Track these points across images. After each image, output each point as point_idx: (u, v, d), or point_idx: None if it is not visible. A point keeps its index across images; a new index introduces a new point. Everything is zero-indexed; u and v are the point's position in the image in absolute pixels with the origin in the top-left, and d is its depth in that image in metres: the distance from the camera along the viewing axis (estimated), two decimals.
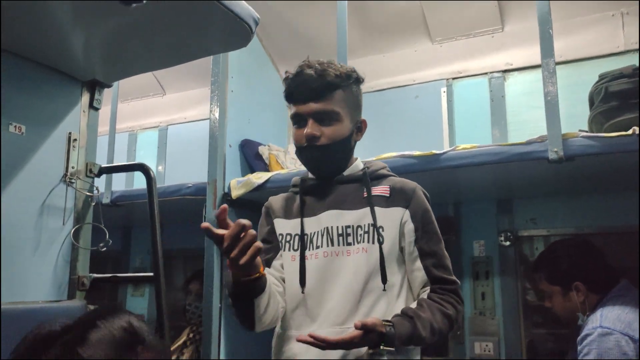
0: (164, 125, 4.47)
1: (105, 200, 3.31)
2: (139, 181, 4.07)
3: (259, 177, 2.72)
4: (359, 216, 1.47)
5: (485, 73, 3.34)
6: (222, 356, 2.66)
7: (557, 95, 2.22)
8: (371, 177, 1.54)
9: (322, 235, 1.47)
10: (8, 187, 1.75)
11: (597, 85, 2.35)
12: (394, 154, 2.47)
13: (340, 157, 1.52)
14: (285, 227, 1.56)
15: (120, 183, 4.06)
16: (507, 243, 2.99)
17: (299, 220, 1.52)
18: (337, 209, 1.50)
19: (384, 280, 1.41)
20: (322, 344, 1.28)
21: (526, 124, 3.10)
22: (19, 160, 1.80)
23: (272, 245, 1.58)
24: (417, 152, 2.39)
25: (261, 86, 3.46)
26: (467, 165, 2.27)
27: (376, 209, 1.46)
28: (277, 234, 1.58)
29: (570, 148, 2.09)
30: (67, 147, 1.98)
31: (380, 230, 1.44)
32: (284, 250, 1.53)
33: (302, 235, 1.49)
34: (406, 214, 1.47)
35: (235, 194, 2.75)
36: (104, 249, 1.98)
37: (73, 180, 1.97)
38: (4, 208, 1.71)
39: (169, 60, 2.02)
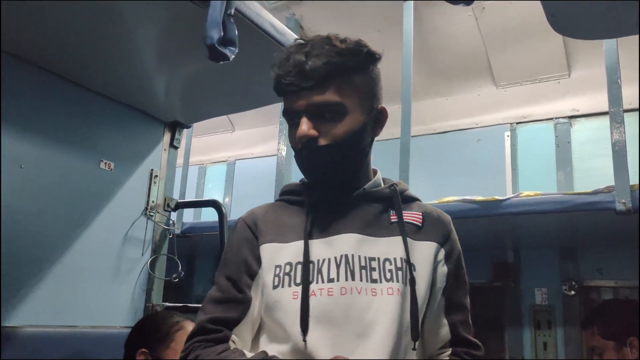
0: (232, 160, 4.68)
1: (177, 231, 3.48)
2: (205, 214, 4.26)
3: None
4: (387, 246, 1.10)
5: (551, 118, 3.33)
6: None
7: (625, 145, 2.20)
8: (401, 198, 1.19)
9: (339, 266, 1.06)
10: (96, 218, 1.92)
11: None
12: (455, 197, 2.50)
13: (349, 161, 1.12)
14: (279, 254, 1.10)
15: (188, 214, 4.27)
16: (572, 292, 2.93)
17: (301, 242, 1.10)
18: (359, 232, 1.11)
19: (416, 336, 1.05)
20: None
21: (592, 172, 3.06)
22: (106, 194, 1.98)
23: (243, 296, 1.09)
24: (479, 197, 2.41)
25: None
26: (530, 213, 2.27)
27: (407, 239, 1.11)
28: (263, 268, 1.10)
29: (639, 200, 2.07)
30: (148, 183, 2.15)
31: (412, 268, 1.09)
32: (280, 286, 1.06)
33: (307, 262, 1.07)
34: (441, 252, 1.14)
35: None
36: (176, 279, 2.11)
37: (152, 214, 2.13)
38: (91, 238, 1.88)
39: (244, 105, 2.18)
